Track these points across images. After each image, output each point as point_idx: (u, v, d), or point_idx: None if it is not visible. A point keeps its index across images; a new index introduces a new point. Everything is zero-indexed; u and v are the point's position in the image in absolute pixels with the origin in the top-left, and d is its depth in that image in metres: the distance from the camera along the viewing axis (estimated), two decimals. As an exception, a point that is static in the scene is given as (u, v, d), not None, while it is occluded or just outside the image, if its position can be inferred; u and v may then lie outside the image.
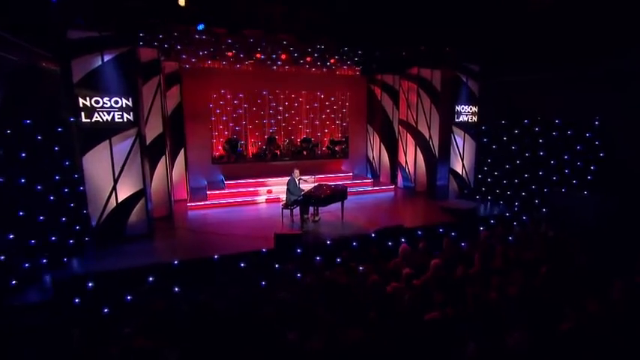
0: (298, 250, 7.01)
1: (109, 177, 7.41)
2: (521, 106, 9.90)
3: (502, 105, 10.24)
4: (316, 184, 9.38)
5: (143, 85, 8.47)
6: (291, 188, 8.77)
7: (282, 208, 8.88)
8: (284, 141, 13.89)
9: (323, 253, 7.00)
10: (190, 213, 9.87)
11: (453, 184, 10.89)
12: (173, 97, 10.57)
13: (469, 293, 4.68)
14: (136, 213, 7.81)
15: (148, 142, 8.73)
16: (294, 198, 8.76)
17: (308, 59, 12.59)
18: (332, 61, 12.84)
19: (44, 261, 6.26)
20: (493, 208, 10.08)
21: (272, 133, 13.79)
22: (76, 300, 5.61)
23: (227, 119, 13.35)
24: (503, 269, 5.71)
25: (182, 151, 11.01)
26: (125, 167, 7.55)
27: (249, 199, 10.92)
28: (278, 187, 11.38)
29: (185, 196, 11.08)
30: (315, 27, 8.80)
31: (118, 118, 7.29)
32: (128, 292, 5.77)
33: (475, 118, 10.64)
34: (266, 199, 11.04)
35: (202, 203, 10.37)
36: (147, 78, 8.59)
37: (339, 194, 8.63)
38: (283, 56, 12.34)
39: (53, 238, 6.44)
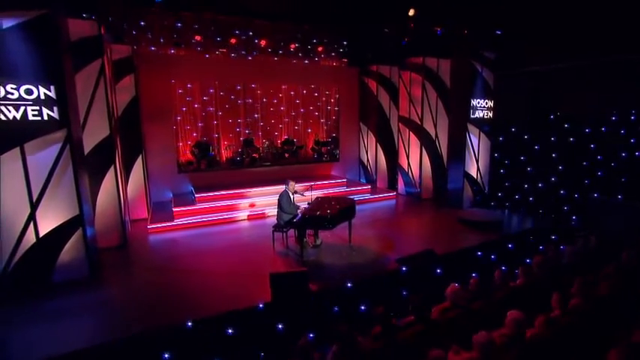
0: (305, 297, 4.95)
1: (22, 201, 4.98)
2: (546, 99, 8.35)
3: (523, 99, 8.66)
4: (312, 197, 7.33)
5: (77, 71, 6.06)
6: (284, 205, 6.69)
7: (273, 231, 6.77)
8: (263, 143, 11.75)
9: (341, 298, 5.00)
10: (152, 238, 7.50)
11: (468, 190, 9.22)
12: (126, 90, 8.12)
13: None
14: (69, 249, 5.43)
15: (88, 150, 6.35)
16: (288, 218, 6.69)
17: (292, 46, 10.54)
18: (319, 49, 10.86)
19: None
20: (517, 218, 8.49)
21: (249, 134, 11.60)
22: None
23: (195, 118, 11.00)
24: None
25: (140, 159, 8.57)
26: (49, 186, 5.15)
27: (226, 215, 8.68)
28: (261, 199, 9.25)
29: (146, 214, 8.66)
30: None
31: (34, 116, 4.89)
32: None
33: (491, 114, 9.02)
34: (248, 216, 8.85)
35: (168, 224, 8.02)
36: (83, 61, 6.16)
37: (346, 211, 6.64)
38: (263, 42, 10.21)
39: None
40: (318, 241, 6.86)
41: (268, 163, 11.23)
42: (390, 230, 7.78)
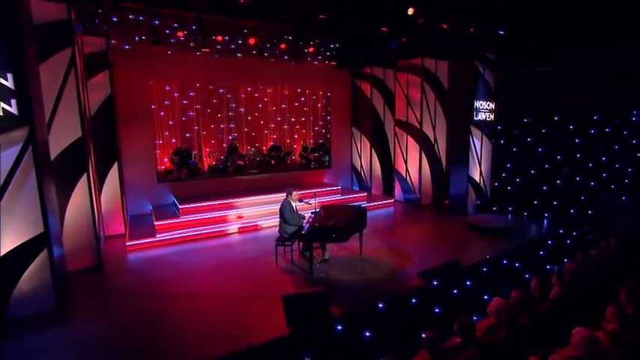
0: (327, 322, 4.18)
1: (-32, 218, 3.91)
2: (549, 100, 8.12)
3: (524, 100, 8.40)
4: (315, 206, 6.58)
5: (43, 60, 5.07)
6: (288, 216, 5.89)
7: (277, 244, 5.94)
8: (249, 150, 10.91)
9: (370, 321, 4.25)
10: (132, 258, 6.45)
11: (472, 196, 8.80)
12: (99, 88, 7.10)
13: None
14: (31, 275, 4.36)
15: (55, 154, 5.31)
16: (293, 229, 5.90)
17: (282, 46, 9.85)
18: (310, 49, 10.25)
19: None
20: (526, 222, 8.12)
21: (233, 140, 10.73)
22: None
23: (174, 123, 10.02)
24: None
25: (115, 167, 7.50)
26: (4, 197, 4.11)
27: (215, 228, 7.73)
28: (253, 209, 8.41)
29: (122, 229, 7.56)
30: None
31: (-15, 110, 3.87)
32: None
33: (492, 116, 8.71)
34: (239, 228, 7.94)
35: (149, 240, 6.98)
36: (49, 49, 5.17)
37: (359, 221, 5.94)
38: (251, 41, 9.46)
39: None
40: (327, 255, 6.09)
41: (255, 171, 10.39)
42: (397, 240, 7.15)
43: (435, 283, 4.84)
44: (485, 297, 5.11)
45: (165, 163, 9.66)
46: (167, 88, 9.60)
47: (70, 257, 5.46)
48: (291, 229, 5.89)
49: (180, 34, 8.36)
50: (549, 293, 4.76)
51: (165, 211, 8.18)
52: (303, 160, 11.56)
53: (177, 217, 7.74)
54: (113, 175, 7.47)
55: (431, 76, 9.16)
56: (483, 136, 8.72)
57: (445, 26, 7.09)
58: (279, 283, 5.23)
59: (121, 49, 7.98)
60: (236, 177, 9.90)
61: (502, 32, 7.60)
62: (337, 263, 5.94)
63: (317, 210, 6.26)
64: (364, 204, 9.76)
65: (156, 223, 7.27)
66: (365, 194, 10.43)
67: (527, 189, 8.50)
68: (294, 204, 6.05)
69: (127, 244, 6.75)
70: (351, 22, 8.01)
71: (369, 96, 10.66)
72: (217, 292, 5.03)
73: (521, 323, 3.97)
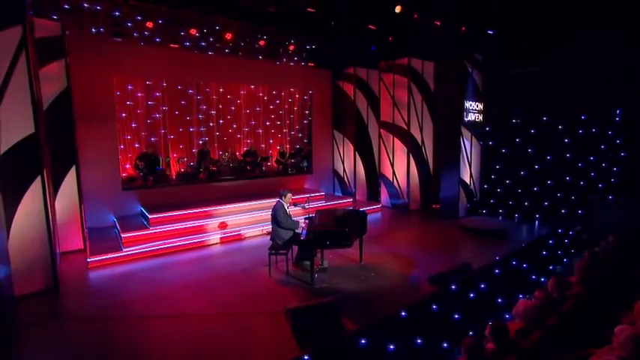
0: (342, 336, 3.73)
1: None
2: (537, 101, 8.33)
3: (512, 101, 8.57)
4: (308, 211, 6.15)
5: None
6: (282, 220, 5.41)
7: (270, 253, 5.41)
8: (222, 155, 10.32)
9: (392, 331, 3.86)
10: (95, 276, 5.61)
11: (463, 199, 8.77)
12: (53, 79, 6.29)
13: None
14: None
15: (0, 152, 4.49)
16: (288, 235, 5.42)
17: (261, 43, 9.45)
18: (291, 47, 9.94)
19: None
20: (518, 224, 8.17)
21: (203, 144, 10.10)
22: None
23: (138, 126, 9.25)
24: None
25: (73, 170, 6.63)
26: None
27: (193, 239, 7.03)
28: (232, 217, 7.82)
29: (80, 244, 6.65)
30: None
31: None
32: None
33: (481, 117, 8.81)
34: (221, 238, 7.29)
35: (115, 255, 6.15)
36: (-5, 26, 4.41)
37: (361, 225, 5.58)
38: (228, 36, 8.98)
39: None
40: (326, 264, 5.64)
41: (231, 177, 9.79)
42: (394, 245, 6.86)
43: (454, 287, 4.56)
44: (499, 300, 4.93)
45: (127, 169, 8.80)
46: (129, 87, 8.83)
47: (19, 278, 4.61)
48: (286, 235, 5.39)
49: (149, 24, 7.75)
50: (567, 293, 4.67)
51: (132, 222, 7.35)
52: (280, 166, 11.10)
53: (147, 228, 6.96)
54: (70, 180, 6.60)
55: (418, 76, 9.15)
56: (473, 137, 8.78)
57: (439, 23, 7.07)
58: (278, 296, 4.71)
59: (79, 37, 7.19)
60: (210, 184, 9.25)
61: (491, 32, 7.73)
62: (337, 272, 5.51)
63: (311, 215, 5.85)
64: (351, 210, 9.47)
65: (123, 236, 6.46)
66: (350, 200, 10.15)
67: (517, 190, 8.60)
68: (287, 207, 5.57)
69: (89, 260, 5.89)
70: (338, 18, 7.83)
71: (352, 97, 10.47)
72: (206, 310, 4.41)
73: (550, 324, 3.82)
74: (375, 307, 4.42)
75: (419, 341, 3.77)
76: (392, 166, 9.76)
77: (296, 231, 5.51)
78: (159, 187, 8.52)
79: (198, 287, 5.05)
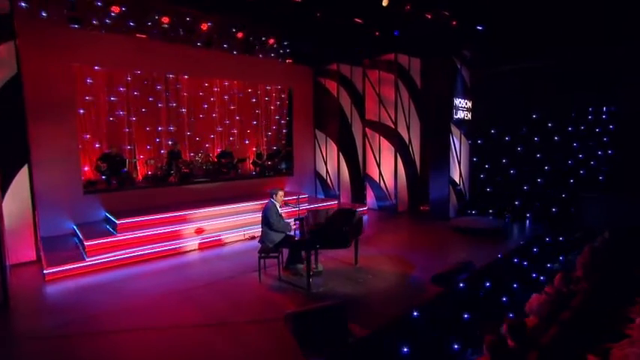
0: (349, 342, 3.46)
1: None
2: (526, 99, 8.48)
3: (502, 98, 8.67)
4: (299, 212, 5.85)
5: None
6: (275, 221, 5.06)
7: (260, 258, 5.05)
8: (196, 156, 9.86)
9: (404, 334, 3.62)
10: (51, 290, 4.98)
11: (453, 199, 8.77)
12: (0, 63, 5.65)
13: None
14: None
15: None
16: (279, 238, 5.08)
17: (239, 35, 9.11)
18: (270, 41, 9.65)
19: None
20: (510, 223, 8.23)
21: (174, 145, 9.60)
22: None
23: (99, 124, 8.70)
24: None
25: (25, 171, 5.97)
26: None
27: (169, 245, 6.50)
28: (211, 222, 7.38)
29: (34, 255, 5.97)
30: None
31: None
32: None
33: (470, 115, 8.90)
34: (199, 244, 6.80)
35: (76, 266, 5.53)
36: None
37: (357, 225, 5.35)
38: (204, 26, 8.59)
39: None
40: (320, 267, 5.35)
41: (206, 180, 9.34)
42: (388, 247, 6.66)
43: (462, 285, 4.41)
44: (504, 298, 4.85)
45: (86, 172, 8.14)
46: (89, 81, 8.24)
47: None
48: (277, 237, 5.05)
49: (115, 8, 7.22)
50: (575, 288, 4.68)
51: (97, 229, 6.72)
52: (257, 168, 10.74)
53: (113, 234, 6.37)
54: (21, 182, 5.93)
55: (404, 73, 9.14)
56: (462, 135, 8.85)
57: (429, 16, 7.07)
58: (272, 303, 4.36)
59: (32, 17, 6.57)
60: (183, 186, 8.75)
61: (480, 28, 7.83)
62: (333, 275, 5.23)
63: (301, 217, 5.58)
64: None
65: (87, 243, 5.85)
66: (335, 202, 9.94)
67: (507, 189, 8.69)
68: (278, 205, 5.25)
69: (45, 272, 5.23)
70: (324, 10, 7.67)
71: (336, 95, 10.31)
72: (194, 320, 3.98)
73: (565, 319, 3.79)
74: (379, 310, 4.19)
75: (430, 343, 3.57)
76: (378, 166, 9.65)
77: (288, 233, 5.20)
78: (126, 191, 7.92)
79: (182, 296, 4.58)
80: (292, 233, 5.20)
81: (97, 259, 5.72)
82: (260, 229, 5.24)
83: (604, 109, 7.84)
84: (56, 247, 6.24)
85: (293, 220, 5.55)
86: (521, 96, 8.40)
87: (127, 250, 6.03)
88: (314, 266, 5.27)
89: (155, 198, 8.06)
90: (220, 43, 9.21)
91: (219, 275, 5.29)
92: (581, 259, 5.31)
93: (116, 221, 6.52)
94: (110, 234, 6.44)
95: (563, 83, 7.95)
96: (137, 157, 9.34)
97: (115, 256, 5.87)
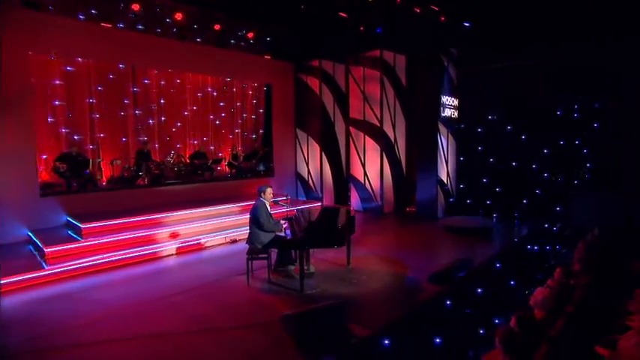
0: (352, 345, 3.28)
1: None
2: (512, 96, 8.65)
3: (489, 96, 8.82)
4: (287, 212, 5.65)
5: None
6: (265, 220, 4.79)
7: (248, 259, 4.77)
8: (167, 157, 9.46)
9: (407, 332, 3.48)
10: (8, 303, 4.46)
11: (441, 199, 8.80)
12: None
13: None
14: None
15: None
16: (269, 238, 4.84)
17: (216, 27, 8.81)
18: (249, 35, 9.40)
19: None
20: (500, 223, 8.34)
21: (143, 144, 9.17)
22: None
23: (56, 121, 8.15)
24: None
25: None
26: None
27: (143, 251, 6.05)
28: (187, 225, 7.03)
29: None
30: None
31: None
32: None
33: (457, 113, 9.00)
34: (177, 249, 6.40)
35: (34, 275, 5.02)
36: None
37: (350, 224, 5.22)
38: (178, 16, 8.24)
39: None
40: (312, 268, 5.14)
41: (178, 181, 8.95)
42: (379, 248, 6.54)
43: (461, 284, 4.35)
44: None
45: (41, 174, 7.53)
46: (54, 81, 7.72)
47: None
48: (266, 238, 4.80)
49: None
50: (575, 282, 4.76)
51: (57, 235, 6.19)
52: (233, 170, 10.42)
53: (77, 240, 5.88)
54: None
55: (390, 70, 9.15)
56: (449, 134, 8.93)
57: (418, 10, 7.09)
58: (264, 306, 4.12)
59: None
60: (153, 188, 8.32)
61: (468, 25, 7.96)
62: (326, 277, 5.04)
63: (290, 217, 5.39)
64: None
65: (47, 250, 5.34)
66: (318, 204, 9.75)
67: (495, 187, 8.77)
68: (268, 203, 5.01)
69: (-2, 282, 4.71)
70: (308, 2, 7.56)
71: (318, 93, 10.18)
72: (183, 327, 3.66)
73: (570, 312, 3.84)
74: (378, 310, 4.07)
75: (434, 341, 3.47)
76: (363, 166, 9.57)
77: (278, 233, 4.96)
78: (90, 193, 7.40)
79: (164, 303, 4.23)
80: (283, 233, 4.97)
81: (60, 267, 5.21)
82: (246, 232, 4.99)
83: (590, 106, 8.10)
84: (7, 255, 5.65)
85: (282, 219, 5.34)
86: (508, 94, 8.58)
87: (96, 257, 5.55)
88: (305, 267, 5.06)
89: (123, 200, 7.58)
90: (193, 35, 8.90)
91: (202, 279, 4.95)
92: (577, 254, 5.43)
93: (81, 226, 6.03)
94: (74, 240, 5.94)
95: (550, 81, 8.16)
96: (102, 157, 8.80)
97: (81, 263, 5.38)
